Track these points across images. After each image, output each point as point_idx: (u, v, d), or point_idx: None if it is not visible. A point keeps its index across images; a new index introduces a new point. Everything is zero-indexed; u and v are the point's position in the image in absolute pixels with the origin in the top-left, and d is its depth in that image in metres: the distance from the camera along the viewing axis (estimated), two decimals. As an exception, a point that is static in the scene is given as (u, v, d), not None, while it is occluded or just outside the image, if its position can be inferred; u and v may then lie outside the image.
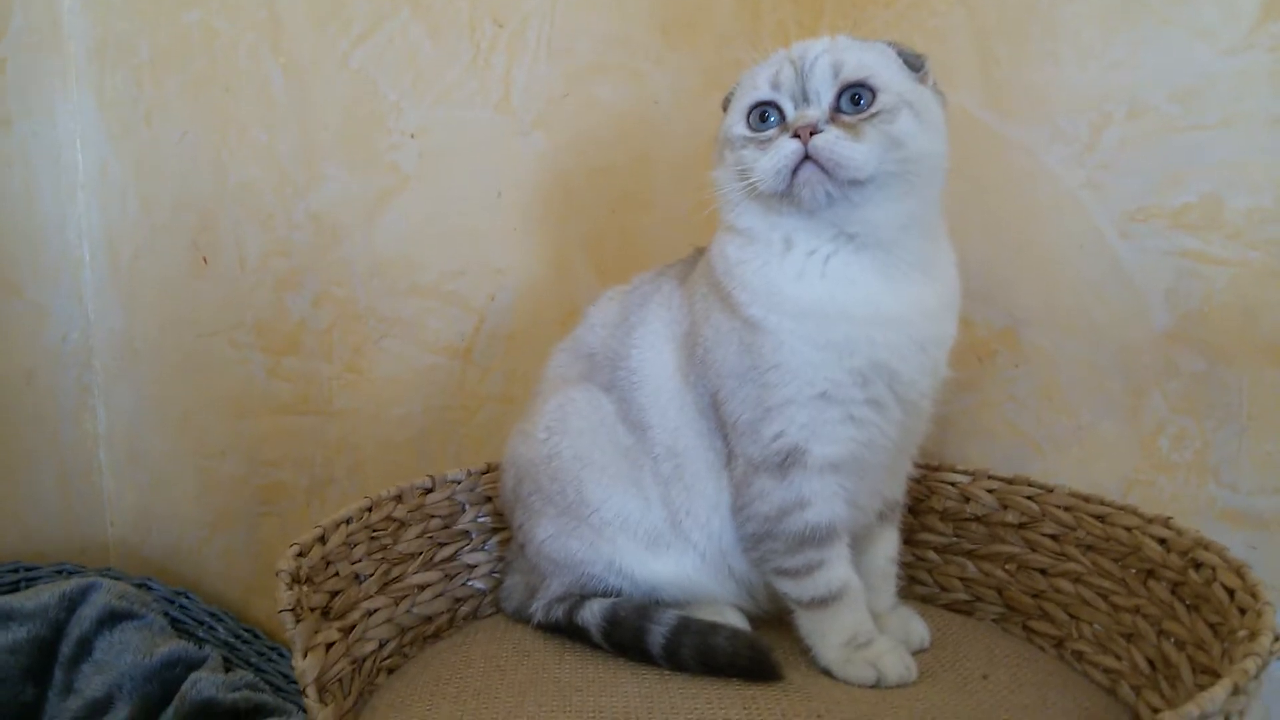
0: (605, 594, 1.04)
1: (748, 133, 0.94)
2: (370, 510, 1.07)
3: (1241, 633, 0.82)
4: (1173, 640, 0.95)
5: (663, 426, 1.02)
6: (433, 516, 1.16)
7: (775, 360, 0.94)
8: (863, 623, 0.98)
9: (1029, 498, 1.14)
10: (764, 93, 0.94)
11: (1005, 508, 1.16)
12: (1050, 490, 1.12)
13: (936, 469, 1.20)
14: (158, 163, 1.76)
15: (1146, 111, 1.14)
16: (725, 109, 1.01)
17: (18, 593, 1.59)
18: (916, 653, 1.03)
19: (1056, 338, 1.22)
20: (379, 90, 1.56)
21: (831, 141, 0.88)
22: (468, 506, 1.20)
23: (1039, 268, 1.22)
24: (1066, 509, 1.10)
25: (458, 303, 1.56)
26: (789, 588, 0.98)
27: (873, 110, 0.90)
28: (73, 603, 1.56)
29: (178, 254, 1.76)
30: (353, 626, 0.99)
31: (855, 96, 0.91)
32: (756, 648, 0.95)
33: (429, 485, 1.15)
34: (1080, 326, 1.20)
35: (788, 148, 0.89)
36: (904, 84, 0.93)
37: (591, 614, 1.02)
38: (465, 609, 1.17)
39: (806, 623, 0.99)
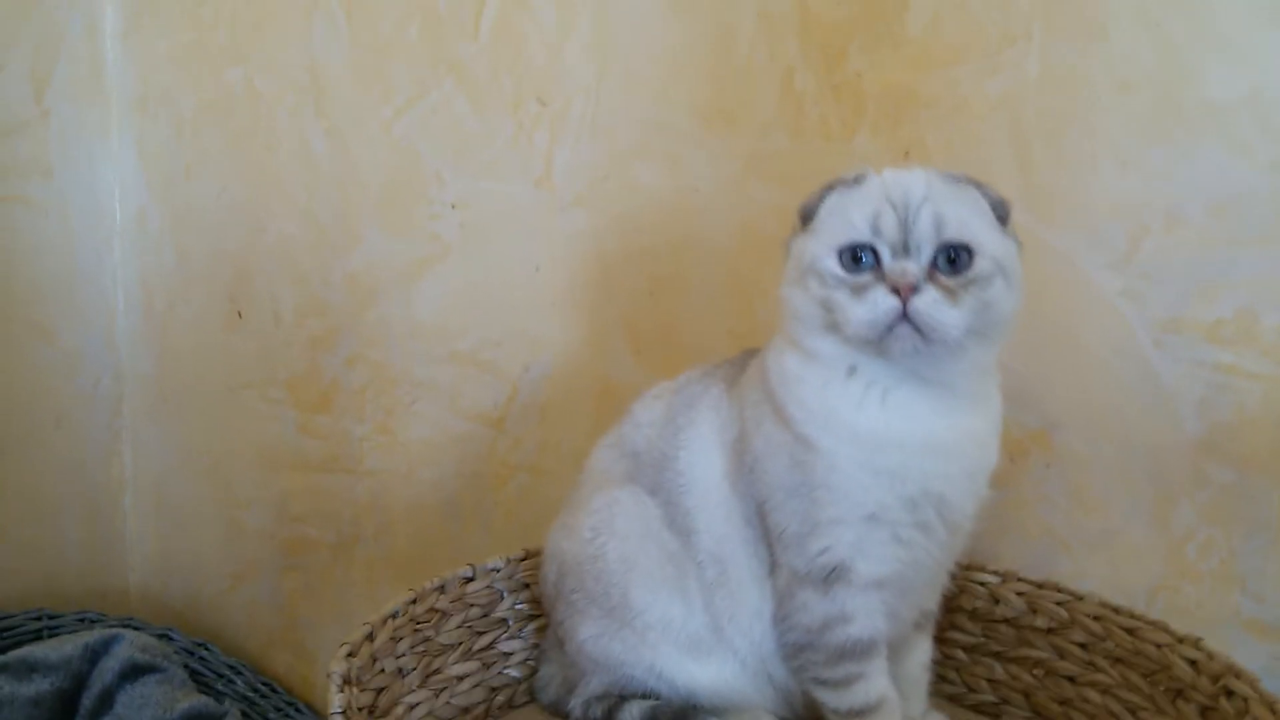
0: (644, 696, 1.05)
1: (840, 273, 0.91)
2: (414, 603, 1.09)
3: (1275, 773, 0.84)
4: (1201, 764, 0.97)
5: (709, 532, 1.03)
6: (473, 605, 1.17)
7: (826, 480, 0.95)
8: (898, 734, 1.00)
9: (1058, 604, 1.15)
10: (864, 235, 0.91)
11: (1034, 612, 1.17)
12: (1080, 598, 1.14)
13: (967, 568, 1.21)
14: (196, 215, 1.78)
15: (1184, 223, 1.16)
16: (804, 221, 0.98)
17: (41, 643, 1.60)
18: (947, 760, 1.05)
19: (1089, 441, 1.24)
20: (421, 159, 1.59)
21: (930, 306, 0.88)
22: (506, 594, 1.21)
23: (1074, 372, 1.24)
24: (1096, 618, 1.12)
25: (493, 371, 1.58)
26: (828, 698, 1.00)
27: (970, 276, 0.90)
28: (95, 654, 1.57)
29: (213, 306, 1.78)
30: (396, 723, 1.01)
31: (953, 256, 0.90)
32: (793, 758, 0.96)
33: (470, 574, 1.17)
34: (1113, 431, 1.22)
35: (886, 304, 0.88)
36: (996, 244, 0.93)
37: (631, 716, 1.03)
38: (500, 698, 1.19)
39: (843, 733, 1.00)
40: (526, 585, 1.23)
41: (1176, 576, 1.20)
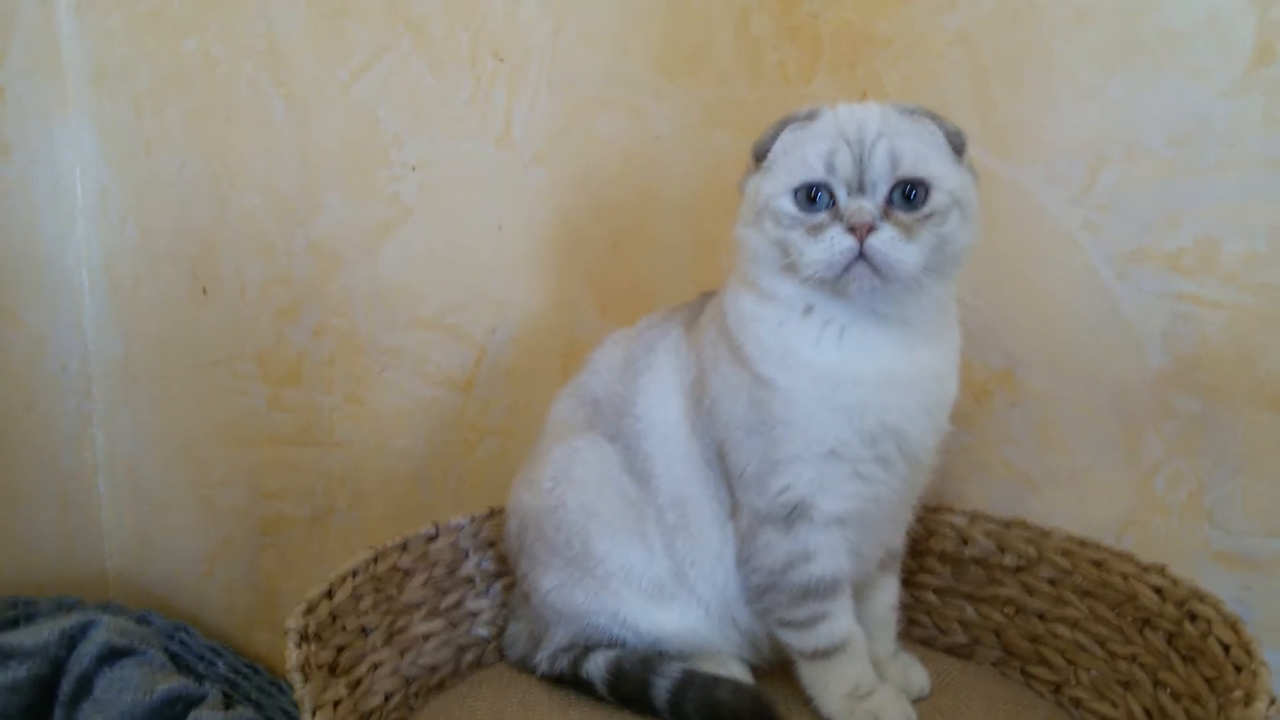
0: (610, 645, 1.05)
1: (795, 212, 0.91)
2: (376, 561, 1.08)
3: (1237, 693, 0.84)
4: (1169, 691, 0.97)
5: (668, 476, 1.03)
6: (437, 564, 1.16)
7: (785, 417, 0.94)
8: (865, 674, 0.99)
9: (1026, 541, 1.15)
10: (818, 174, 0.90)
11: (1003, 550, 1.17)
12: (1047, 534, 1.14)
13: (935, 510, 1.21)
14: (157, 191, 1.76)
15: (1143, 153, 1.15)
16: (757, 159, 0.97)
17: (17, 630, 1.58)
18: (916, 700, 1.04)
19: (1053, 378, 1.23)
20: (380, 122, 1.57)
21: (887, 244, 0.87)
22: (471, 552, 1.21)
23: (1036, 308, 1.23)
24: (1063, 553, 1.11)
25: (459, 335, 1.56)
26: (792, 639, 0.99)
27: (926, 210, 0.89)
28: (72, 640, 1.56)
29: (178, 282, 1.77)
30: (359, 681, 1.00)
31: (908, 192, 0.89)
32: (760, 701, 0.96)
33: (433, 533, 1.16)
34: (1077, 367, 1.21)
35: (843, 244, 0.87)
36: (952, 177, 0.91)
37: (596, 666, 1.03)
38: (469, 657, 1.18)
39: (809, 674, 1.00)
40: (492, 543, 1.22)
41: (1146, 511, 1.19)
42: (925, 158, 0.91)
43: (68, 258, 1.82)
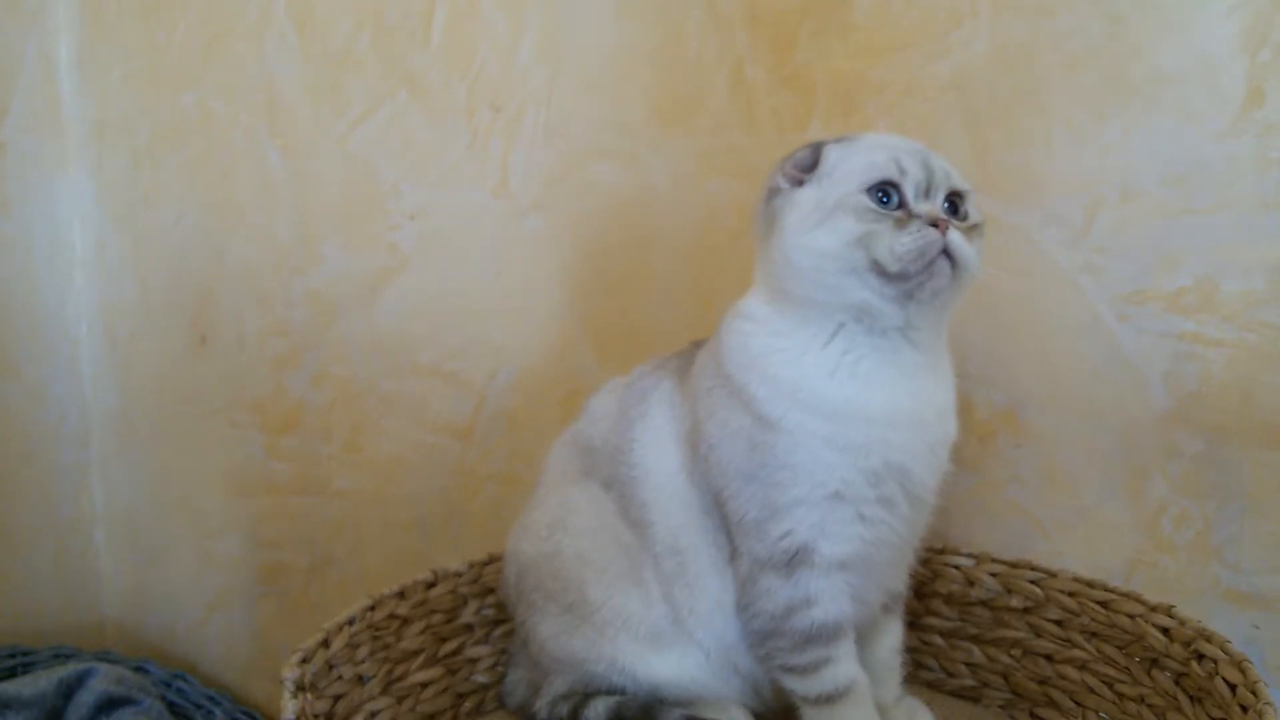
0: (609, 692, 1.03)
1: (875, 206, 0.91)
2: (373, 609, 1.07)
3: (1247, 733, 0.82)
4: (1179, 733, 0.95)
5: (664, 524, 1.02)
6: (435, 611, 1.15)
7: (788, 461, 0.93)
8: (870, 718, 0.97)
9: (1033, 582, 1.14)
10: (892, 173, 0.91)
11: (1009, 592, 1.16)
12: (1054, 575, 1.13)
13: (941, 551, 1.20)
14: (156, 243, 1.77)
15: (1139, 195, 1.16)
16: (801, 172, 0.97)
17: (15, 679, 1.57)
18: (924, 746, 1.03)
19: (1057, 419, 1.22)
20: (377, 172, 1.58)
21: (962, 240, 0.90)
22: (470, 599, 1.19)
23: (1038, 349, 1.23)
24: (1070, 594, 1.10)
25: (458, 382, 1.56)
26: (796, 685, 0.98)
27: (970, 221, 0.94)
28: (70, 689, 1.55)
29: (176, 333, 1.77)
30: (356, 731, 0.99)
31: (956, 205, 0.94)
32: (762, 748, 0.94)
33: (431, 580, 1.15)
34: (1080, 408, 1.21)
35: (930, 234, 0.89)
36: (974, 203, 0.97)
37: (596, 713, 1.01)
38: (468, 704, 1.17)
39: (813, 720, 0.98)
40: (491, 590, 1.21)
41: (1153, 551, 1.18)
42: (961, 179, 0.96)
43: (66, 310, 1.83)
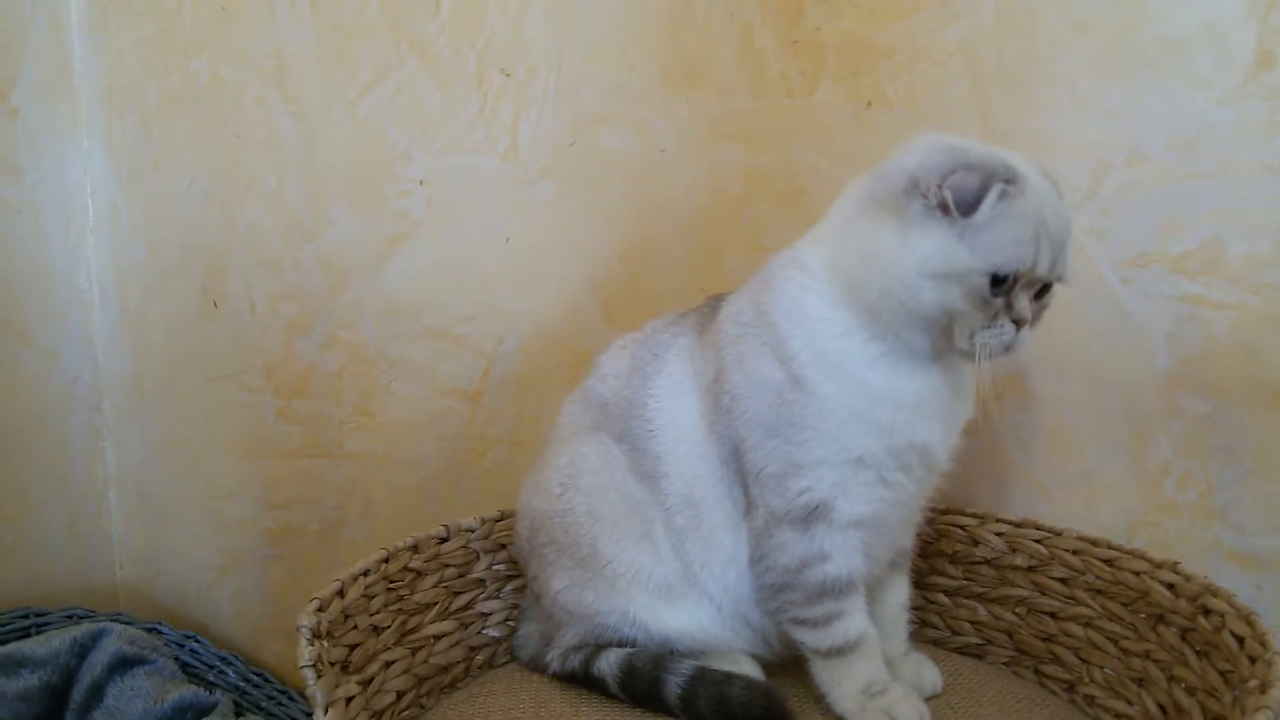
0: (621, 644, 1.05)
1: (988, 295, 0.89)
2: (387, 561, 1.08)
3: (1253, 682, 0.84)
4: (1183, 686, 0.97)
5: (680, 476, 1.03)
6: (448, 565, 1.17)
7: (816, 424, 0.95)
8: (878, 671, 0.99)
9: (1037, 541, 1.15)
10: (1025, 265, 0.89)
11: (1014, 551, 1.17)
12: (1058, 534, 1.14)
13: (945, 512, 1.22)
14: (167, 208, 1.78)
15: (1145, 159, 1.17)
16: (960, 212, 0.88)
17: (29, 639, 1.59)
18: (929, 698, 1.04)
19: (1061, 382, 1.23)
20: (387, 137, 1.58)
21: (1027, 336, 0.92)
22: (482, 555, 1.21)
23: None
24: (1075, 552, 1.12)
25: (467, 347, 1.57)
26: (807, 637, 0.99)
27: (1046, 301, 0.95)
28: (84, 649, 1.57)
29: (187, 297, 1.78)
30: (371, 679, 1.00)
31: (1048, 286, 0.94)
32: (771, 697, 0.96)
33: (444, 534, 1.17)
34: (1085, 370, 1.22)
35: (1009, 336, 0.90)
36: None
37: (608, 664, 1.03)
38: (480, 658, 1.18)
39: (823, 671, 1.00)
40: (503, 546, 1.23)
41: (1156, 512, 1.19)
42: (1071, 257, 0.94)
43: (78, 275, 1.84)
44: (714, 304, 1.10)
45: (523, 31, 1.49)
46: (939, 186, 0.88)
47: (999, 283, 0.88)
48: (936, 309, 0.90)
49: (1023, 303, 0.90)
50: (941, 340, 0.92)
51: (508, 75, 1.50)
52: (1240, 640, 0.90)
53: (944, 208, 0.88)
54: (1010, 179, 0.88)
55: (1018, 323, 0.90)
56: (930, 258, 0.89)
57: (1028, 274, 0.89)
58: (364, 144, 1.60)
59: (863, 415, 0.94)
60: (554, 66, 1.48)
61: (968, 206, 0.88)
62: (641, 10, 1.42)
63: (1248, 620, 0.91)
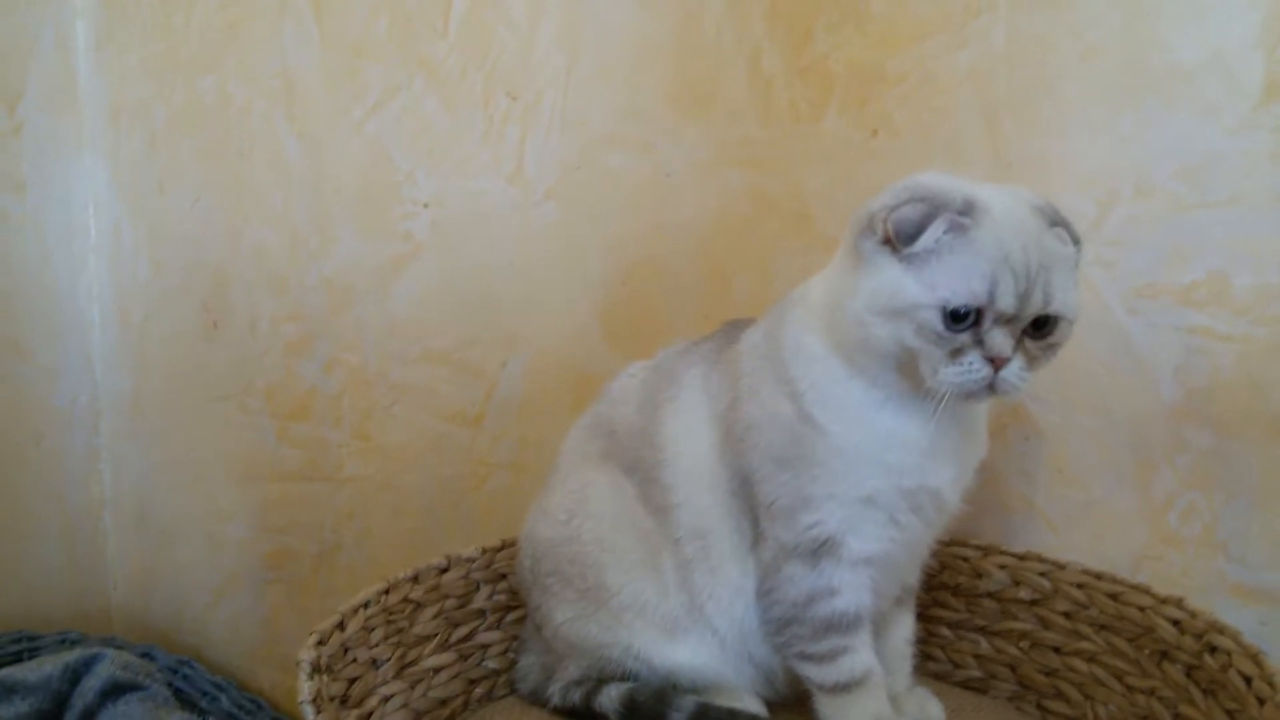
0: (623, 678, 1.04)
1: (942, 330, 0.86)
2: (387, 593, 1.07)
3: (1262, 725, 0.83)
4: (1190, 725, 0.95)
5: (689, 506, 1.02)
6: (448, 596, 1.16)
7: (826, 462, 0.94)
8: (883, 707, 0.98)
9: (1041, 574, 1.14)
10: (980, 300, 0.85)
11: (1017, 584, 1.16)
12: (1062, 567, 1.13)
13: (949, 544, 1.20)
14: (170, 227, 1.78)
15: (1153, 189, 1.16)
16: (899, 243, 0.87)
17: (20, 664, 1.58)
18: (933, 734, 1.03)
19: (1066, 412, 1.23)
20: (393, 159, 1.58)
21: (1015, 374, 0.86)
22: (483, 584, 1.20)
23: (1049, 343, 1.23)
24: (1079, 586, 1.11)
25: (469, 370, 1.57)
26: (812, 672, 0.98)
27: (1052, 340, 0.89)
28: (76, 674, 1.55)
29: (188, 317, 1.78)
30: (370, 714, 0.99)
31: (1043, 321, 0.88)
32: (775, 734, 0.95)
33: (445, 565, 1.16)
34: (1090, 401, 1.21)
35: (981, 373, 0.85)
36: (1076, 300, 0.91)
37: (609, 699, 1.02)
38: (480, 690, 1.17)
39: (827, 708, 0.98)
40: (503, 575, 1.22)
41: (1160, 544, 1.18)
42: (1067, 291, 0.89)
43: (79, 293, 1.84)
44: (728, 331, 1.09)
45: (531, 54, 1.49)
46: (884, 220, 0.87)
47: (960, 318, 0.86)
48: (893, 345, 0.88)
49: (997, 339, 0.86)
50: (914, 379, 0.89)
51: (514, 98, 1.50)
52: (1248, 680, 0.89)
53: (889, 241, 0.88)
54: (964, 211, 0.86)
55: (994, 361, 0.86)
56: (877, 293, 0.88)
57: (991, 309, 0.86)
58: (370, 165, 1.60)
59: (872, 456, 0.93)
60: (562, 88, 1.48)
61: (908, 237, 0.86)
62: (650, 34, 1.42)
63: (1255, 659, 0.90)
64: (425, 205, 1.57)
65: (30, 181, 1.76)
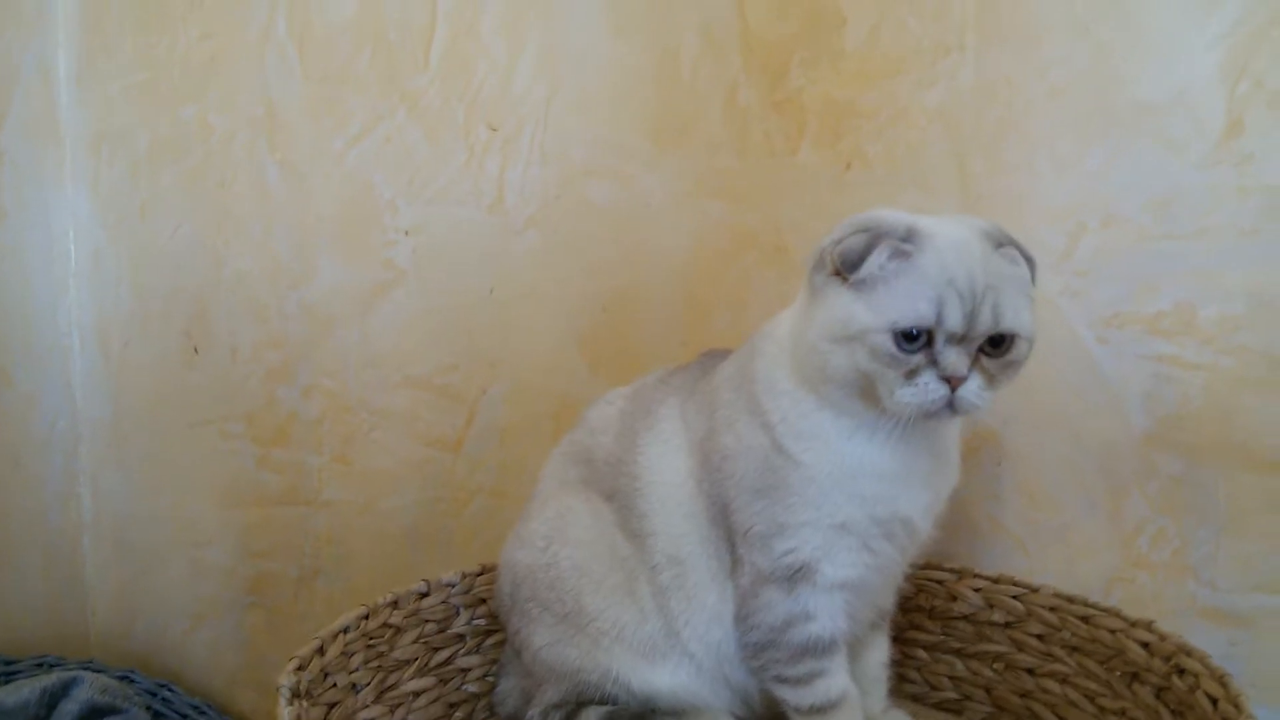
0: (602, 701, 1.04)
1: (894, 352, 0.88)
2: (367, 618, 1.08)
3: (1226, 746, 0.85)
4: (1158, 746, 0.97)
5: (666, 534, 1.03)
6: (428, 621, 1.16)
7: (800, 490, 0.95)
8: (859, 730, 1.00)
9: (1014, 597, 1.16)
10: (927, 321, 0.87)
11: (991, 606, 1.18)
12: (1035, 590, 1.15)
13: (924, 566, 1.22)
14: (152, 254, 1.78)
15: (1120, 221, 1.19)
16: (845, 271, 0.90)
17: (-2, 688, 1.57)
18: (909, 757, 1.05)
19: (1038, 438, 1.25)
20: (374, 188, 1.60)
21: (973, 393, 0.88)
22: (462, 609, 1.21)
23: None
24: (1051, 609, 1.13)
25: (450, 396, 1.58)
26: (789, 695, 0.99)
27: (1010, 359, 0.91)
28: (54, 698, 1.54)
29: (169, 343, 1.78)
30: (351, 738, 1.00)
31: (999, 340, 0.90)
32: (752, 756, 0.96)
33: (425, 589, 1.16)
34: (1061, 428, 1.23)
35: (938, 392, 0.87)
36: (1031, 320, 0.92)
37: (588, 722, 1.03)
38: (459, 714, 1.18)
39: (803, 730, 1.00)
40: (483, 600, 1.22)
41: (1131, 568, 1.21)
42: (1019, 309, 0.91)
43: (59, 319, 1.84)
44: (705, 361, 1.11)
45: (511, 85, 1.51)
46: (831, 252, 0.91)
47: (911, 339, 0.88)
48: (850, 371, 0.90)
49: (950, 358, 0.88)
50: (877, 405, 0.91)
51: (494, 129, 1.52)
52: (1214, 701, 0.91)
53: (838, 272, 0.91)
54: (906, 238, 0.89)
55: (950, 380, 0.88)
56: (830, 322, 0.91)
57: (940, 329, 0.88)
58: (351, 194, 1.62)
59: (844, 485, 0.95)
60: (541, 120, 1.50)
61: (852, 265, 0.89)
62: (628, 68, 1.45)
63: (1221, 682, 0.92)
64: (407, 233, 1.59)
65: (11, 209, 1.77)
